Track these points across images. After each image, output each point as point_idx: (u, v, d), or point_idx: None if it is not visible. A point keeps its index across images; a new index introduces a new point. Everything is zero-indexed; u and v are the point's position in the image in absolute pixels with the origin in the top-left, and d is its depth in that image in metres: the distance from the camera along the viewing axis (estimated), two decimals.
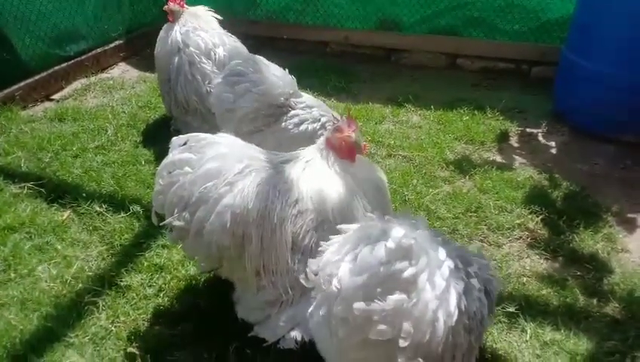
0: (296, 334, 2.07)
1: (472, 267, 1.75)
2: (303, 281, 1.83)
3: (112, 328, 2.26)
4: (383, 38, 5.15)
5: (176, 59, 3.55)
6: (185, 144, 2.13)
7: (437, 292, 1.54)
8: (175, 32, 3.59)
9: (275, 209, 2.01)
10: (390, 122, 4.00)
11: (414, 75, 4.83)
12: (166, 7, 3.66)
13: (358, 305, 1.54)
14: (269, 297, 2.08)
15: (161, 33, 3.71)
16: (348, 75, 4.77)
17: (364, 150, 2.18)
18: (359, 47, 5.26)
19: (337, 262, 1.67)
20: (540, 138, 3.83)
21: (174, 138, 2.17)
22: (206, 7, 3.76)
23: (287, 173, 2.08)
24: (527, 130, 3.91)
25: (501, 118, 4.01)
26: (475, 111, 4.06)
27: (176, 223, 2.01)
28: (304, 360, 2.08)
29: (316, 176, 2.06)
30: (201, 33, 3.57)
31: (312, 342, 1.95)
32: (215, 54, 3.53)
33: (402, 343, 1.51)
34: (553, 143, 3.78)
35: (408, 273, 1.54)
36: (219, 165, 2.01)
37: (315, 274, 1.74)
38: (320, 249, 1.84)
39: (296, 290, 2.05)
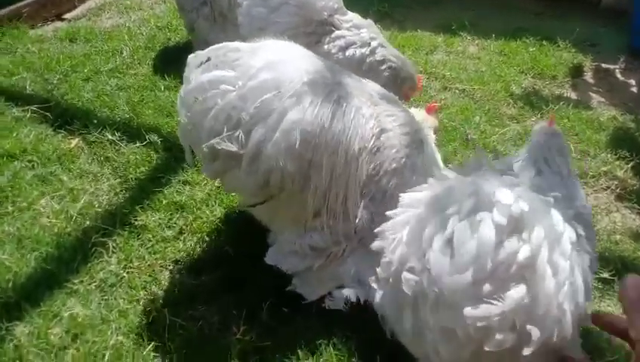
0: (349, 293, 1.67)
1: (588, 227, 1.31)
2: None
3: (124, 274, 1.90)
4: None
5: None
6: (208, 60, 1.63)
7: (561, 277, 1.11)
8: None
9: (357, 135, 1.57)
10: (443, 52, 3.49)
11: (469, 2, 4.24)
12: None
13: (470, 312, 1.08)
14: (318, 243, 1.66)
15: None
16: (393, 0, 4.22)
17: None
18: None
19: (421, 252, 1.18)
20: (618, 75, 3.31)
21: (190, 56, 1.67)
22: None
23: (376, 95, 1.65)
24: (603, 65, 3.38)
25: (573, 50, 3.48)
26: (544, 42, 3.53)
27: (226, 146, 1.51)
28: (349, 325, 1.71)
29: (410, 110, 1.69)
30: None
31: (367, 305, 1.59)
32: None
33: (527, 351, 1.09)
34: (633, 81, 3.25)
35: (524, 255, 1.08)
36: (275, 75, 1.52)
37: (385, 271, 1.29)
38: (379, 230, 1.39)
39: (352, 242, 1.66)
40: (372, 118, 1.60)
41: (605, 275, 1.93)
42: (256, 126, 1.49)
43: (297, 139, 1.49)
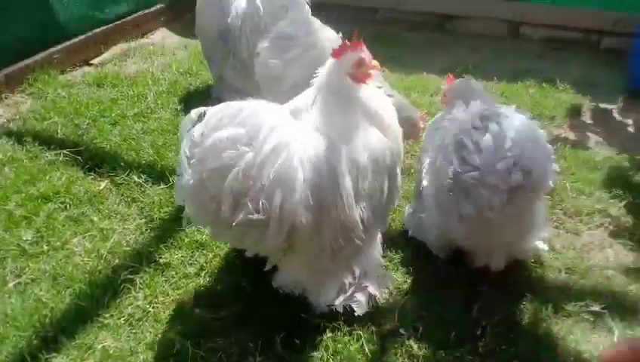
0: (370, 290, 2.02)
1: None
2: None
3: (150, 309, 2.07)
4: (438, 4, 4.79)
5: (242, 3, 3.20)
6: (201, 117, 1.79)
7: None
8: None
9: (340, 171, 1.82)
10: None
11: (473, 45, 4.47)
12: None
13: None
14: (348, 251, 1.94)
15: None
16: (399, 44, 4.45)
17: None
18: (411, 13, 4.91)
19: None
20: (616, 115, 3.48)
21: (186, 119, 1.83)
22: None
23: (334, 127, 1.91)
24: (601, 105, 3.55)
25: (571, 91, 3.67)
26: (543, 84, 3.72)
27: (254, 217, 1.67)
28: (360, 353, 1.88)
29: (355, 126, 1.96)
30: None
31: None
32: (286, 11, 3.05)
33: None
34: (630, 121, 3.42)
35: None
36: (281, 137, 1.72)
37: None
38: None
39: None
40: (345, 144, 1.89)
41: (596, 308, 2.07)
42: (275, 192, 1.67)
43: (309, 196, 1.71)
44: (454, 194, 1.97)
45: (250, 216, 1.66)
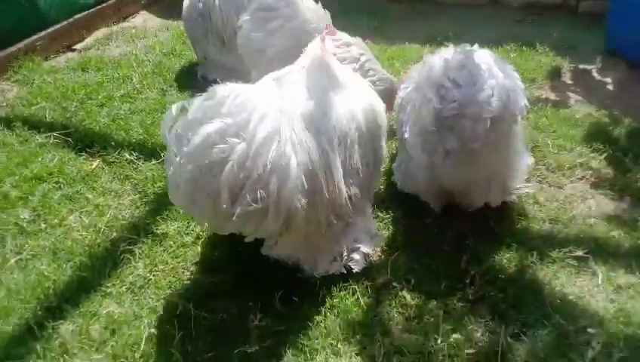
0: (363, 250, 2.10)
1: None
2: None
3: (151, 277, 2.13)
4: None
5: None
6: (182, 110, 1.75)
7: None
8: None
9: (332, 150, 1.88)
10: None
11: (454, 14, 4.52)
12: None
13: None
14: (339, 227, 2.03)
15: None
16: (381, 15, 4.49)
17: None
18: None
19: None
20: (595, 74, 3.55)
21: (166, 115, 1.78)
22: None
23: (322, 104, 1.95)
24: (580, 66, 3.62)
25: (551, 54, 3.74)
26: (524, 47, 3.78)
27: (252, 207, 1.67)
28: (351, 309, 1.96)
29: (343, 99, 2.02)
30: None
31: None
32: None
33: None
34: (609, 80, 3.49)
35: None
36: (272, 124, 1.71)
37: None
38: None
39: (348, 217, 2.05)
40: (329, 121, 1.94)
41: (580, 253, 2.16)
42: (271, 180, 1.67)
43: (303, 179, 1.75)
44: (438, 130, 2.03)
45: (249, 207, 1.66)
